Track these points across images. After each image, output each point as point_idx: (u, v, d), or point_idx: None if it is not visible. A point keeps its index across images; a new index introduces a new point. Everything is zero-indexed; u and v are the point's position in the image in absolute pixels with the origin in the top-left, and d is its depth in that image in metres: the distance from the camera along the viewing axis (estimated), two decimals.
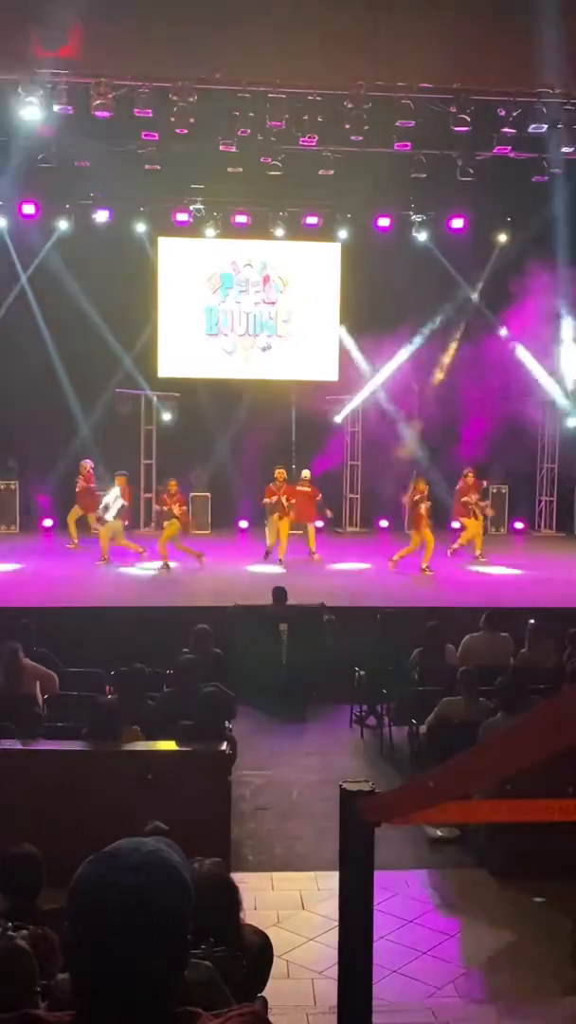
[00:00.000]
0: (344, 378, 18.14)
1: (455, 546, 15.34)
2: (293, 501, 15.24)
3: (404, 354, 17.91)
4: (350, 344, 18.14)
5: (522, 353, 17.74)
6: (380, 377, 18.10)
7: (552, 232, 15.77)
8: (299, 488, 15.58)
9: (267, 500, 15.24)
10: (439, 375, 18.04)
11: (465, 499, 15.30)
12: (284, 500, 15.08)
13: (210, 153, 13.73)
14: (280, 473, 15.46)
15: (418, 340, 17.90)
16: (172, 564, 14.32)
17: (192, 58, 12.03)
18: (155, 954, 1.53)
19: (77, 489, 15.74)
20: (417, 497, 14.62)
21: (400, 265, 17.12)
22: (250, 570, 14.36)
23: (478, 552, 15.19)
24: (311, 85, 12.62)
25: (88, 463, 15.92)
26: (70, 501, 15.96)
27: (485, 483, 16.25)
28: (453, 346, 18.01)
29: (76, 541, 15.57)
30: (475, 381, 16.61)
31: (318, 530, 15.98)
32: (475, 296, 17.92)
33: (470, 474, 15.64)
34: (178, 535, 14.68)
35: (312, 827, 7.33)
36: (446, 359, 18.02)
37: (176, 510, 14.67)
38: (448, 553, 15.17)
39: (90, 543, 15.10)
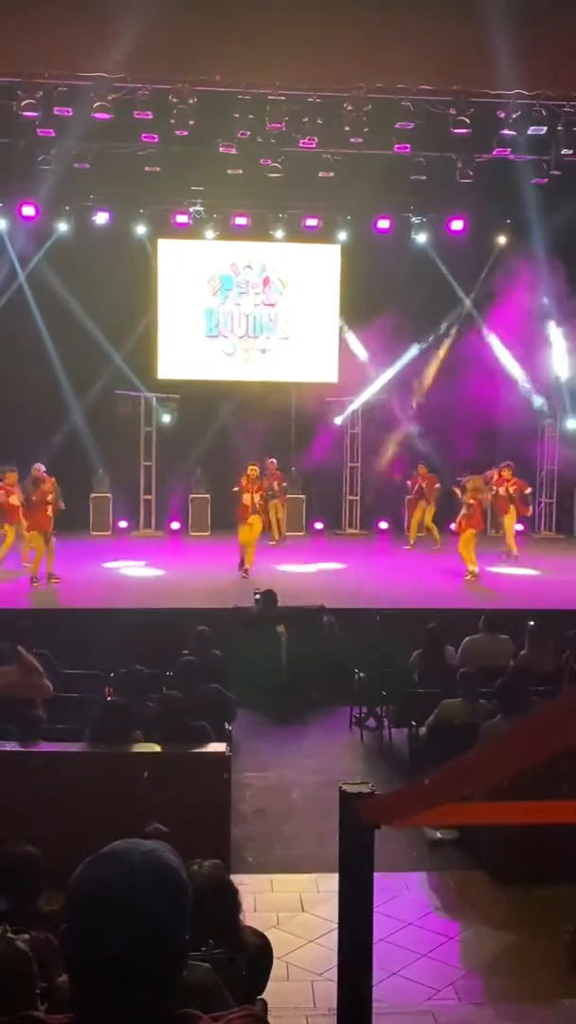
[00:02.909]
0: (344, 380, 18.15)
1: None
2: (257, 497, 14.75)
3: (403, 355, 17.93)
4: (355, 344, 18.13)
5: (500, 351, 17.71)
6: (380, 379, 18.11)
7: (551, 234, 15.78)
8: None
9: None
10: (427, 381, 18.04)
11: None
12: (254, 498, 14.66)
13: (210, 155, 13.73)
14: (252, 470, 14.94)
15: (418, 341, 17.92)
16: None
17: (192, 60, 12.03)
18: (153, 955, 1.53)
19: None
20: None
21: (400, 267, 17.13)
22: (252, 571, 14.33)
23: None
24: (311, 87, 12.63)
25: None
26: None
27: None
28: (443, 351, 18.01)
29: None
30: (473, 382, 16.62)
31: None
32: (471, 298, 17.92)
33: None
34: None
35: (312, 829, 7.32)
36: (434, 365, 18.05)
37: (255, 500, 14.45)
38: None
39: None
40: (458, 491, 14.58)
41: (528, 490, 15.74)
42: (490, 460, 16.79)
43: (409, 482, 16.96)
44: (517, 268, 16.58)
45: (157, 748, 6.77)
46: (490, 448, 17.20)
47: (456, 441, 17.13)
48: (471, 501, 14.16)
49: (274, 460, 16.49)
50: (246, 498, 14.58)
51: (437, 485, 16.68)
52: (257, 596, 11.04)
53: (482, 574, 13.95)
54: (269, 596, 10.81)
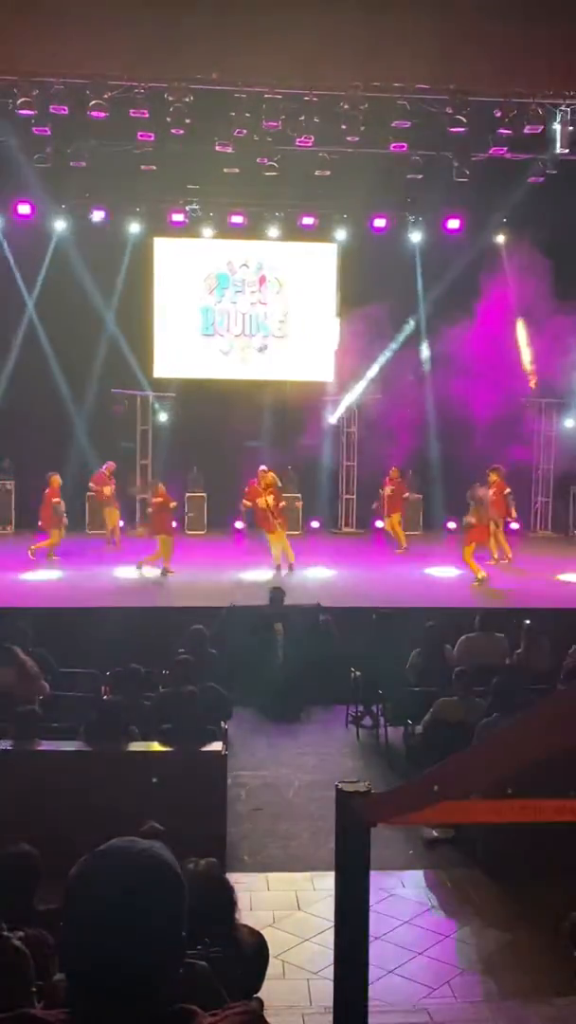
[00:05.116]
0: (340, 378, 18.14)
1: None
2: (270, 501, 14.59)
3: (399, 354, 17.92)
4: (351, 343, 18.10)
5: (496, 351, 17.70)
6: (376, 377, 18.09)
7: (548, 233, 15.77)
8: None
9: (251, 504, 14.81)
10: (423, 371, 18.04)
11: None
12: (269, 503, 14.51)
13: (206, 153, 13.71)
14: (264, 477, 14.90)
15: (412, 340, 17.91)
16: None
17: (188, 59, 12.01)
18: (148, 952, 1.53)
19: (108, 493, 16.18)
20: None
21: (396, 266, 17.12)
22: (246, 571, 14.32)
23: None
24: (307, 86, 12.62)
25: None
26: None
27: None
28: (426, 349, 18.02)
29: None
30: (468, 382, 16.61)
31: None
32: (466, 296, 17.91)
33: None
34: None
35: (308, 827, 7.33)
36: (425, 362, 18.07)
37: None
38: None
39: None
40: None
41: (507, 490, 15.64)
42: (484, 458, 16.81)
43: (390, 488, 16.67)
44: (513, 267, 16.57)
45: (153, 747, 6.78)
46: (486, 448, 17.19)
47: (451, 440, 17.13)
48: (472, 520, 14.19)
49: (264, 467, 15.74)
50: (260, 502, 14.55)
51: (406, 494, 16.77)
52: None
53: (489, 575, 13.87)
54: (276, 594, 10.82)
